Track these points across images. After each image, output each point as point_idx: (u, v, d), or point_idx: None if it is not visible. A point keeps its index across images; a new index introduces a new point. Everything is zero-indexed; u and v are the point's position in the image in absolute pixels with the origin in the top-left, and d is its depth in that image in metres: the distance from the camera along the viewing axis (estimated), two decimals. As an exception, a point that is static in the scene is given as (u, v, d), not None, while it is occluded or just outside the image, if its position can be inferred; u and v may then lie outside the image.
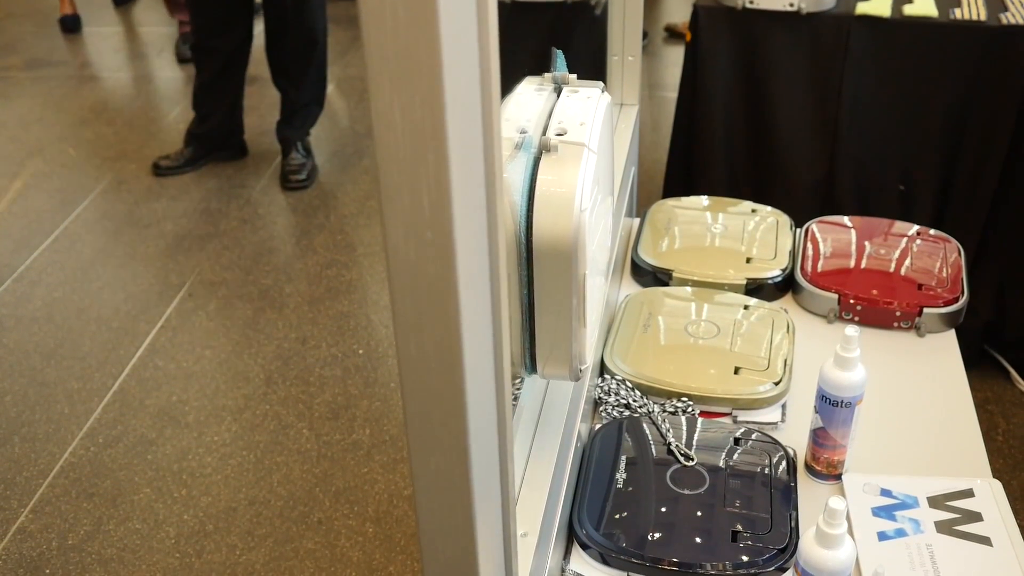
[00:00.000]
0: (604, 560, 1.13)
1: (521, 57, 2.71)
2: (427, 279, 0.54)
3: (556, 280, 0.97)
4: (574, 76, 1.12)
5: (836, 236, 1.67)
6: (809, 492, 1.24)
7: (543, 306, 0.99)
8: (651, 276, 1.62)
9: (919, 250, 1.63)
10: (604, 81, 1.78)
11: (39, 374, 2.70)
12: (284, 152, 3.69)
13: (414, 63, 0.46)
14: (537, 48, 2.73)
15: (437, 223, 0.52)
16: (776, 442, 1.28)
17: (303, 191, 3.61)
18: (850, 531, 1.10)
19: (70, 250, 3.28)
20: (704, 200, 1.81)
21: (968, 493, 1.22)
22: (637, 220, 1.77)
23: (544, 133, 1.00)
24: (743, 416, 1.35)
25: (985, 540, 1.16)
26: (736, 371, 1.38)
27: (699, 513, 1.17)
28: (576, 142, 0.98)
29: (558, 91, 1.10)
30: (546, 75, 1.12)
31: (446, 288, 0.54)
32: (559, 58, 1.13)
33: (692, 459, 1.24)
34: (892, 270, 1.58)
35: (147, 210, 3.52)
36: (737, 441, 1.27)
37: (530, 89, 1.10)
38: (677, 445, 1.25)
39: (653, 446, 1.27)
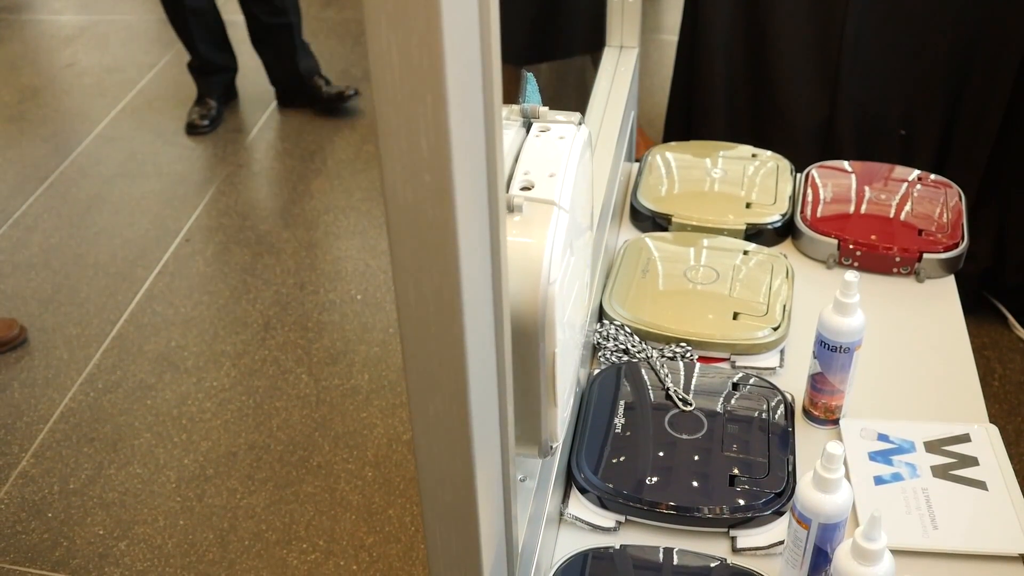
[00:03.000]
0: (602, 504, 1.14)
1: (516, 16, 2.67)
2: (426, 222, 0.53)
3: (521, 359, 0.86)
4: (545, 108, 0.97)
5: (836, 181, 1.66)
6: (806, 437, 1.24)
7: None
8: (650, 221, 1.61)
9: (919, 195, 1.62)
10: (605, 24, 1.75)
11: (37, 320, 2.70)
12: (314, 88, 3.67)
13: (412, 1, 0.45)
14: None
15: (436, 166, 0.51)
16: (774, 387, 1.28)
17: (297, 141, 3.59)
18: (847, 475, 1.11)
19: (66, 196, 3.27)
20: (704, 144, 1.79)
21: (964, 438, 1.23)
22: (636, 165, 1.76)
23: (508, 187, 0.87)
24: (741, 361, 1.35)
25: (981, 484, 1.17)
26: (735, 316, 1.37)
27: (697, 457, 1.17)
28: (545, 200, 0.86)
29: (527, 126, 0.97)
30: (514, 107, 0.97)
31: (445, 231, 0.53)
32: (530, 84, 0.97)
33: (690, 404, 1.24)
34: (892, 215, 1.58)
35: (143, 155, 3.49)
36: (735, 386, 1.28)
37: None
38: (675, 390, 1.26)
39: (651, 391, 1.27)
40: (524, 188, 0.87)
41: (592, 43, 2.67)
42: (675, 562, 1.08)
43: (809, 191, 1.63)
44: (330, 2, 4.61)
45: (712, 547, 1.11)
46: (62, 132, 3.65)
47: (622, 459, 1.17)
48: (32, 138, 3.61)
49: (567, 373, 0.99)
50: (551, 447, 0.95)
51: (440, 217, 0.53)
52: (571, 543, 1.12)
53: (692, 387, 1.27)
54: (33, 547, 2.08)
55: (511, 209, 0.84)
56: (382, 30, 0.47)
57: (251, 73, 3.91)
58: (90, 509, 2.16)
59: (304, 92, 3.70)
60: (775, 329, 1.35)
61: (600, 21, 1.76)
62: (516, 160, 0.92)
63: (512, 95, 0.95)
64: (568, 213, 0.87)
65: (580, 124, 0.98)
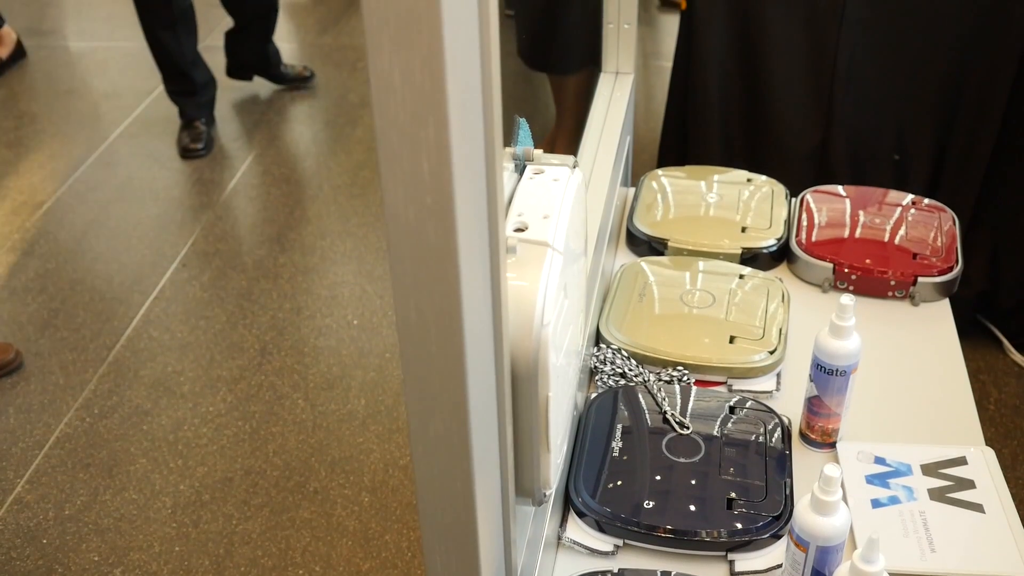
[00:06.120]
0: (600, 528, 1.14)
1: (520, 22, 2.69)
2: (427, 245, 0.54)
3: (514, 403, 0.84)
4: (539, 151, 0.97)
5: (831, 205, 1.67)
6: (804, 460, 1.24)
7: None
8: (646, 245, 1.62)
9: (913, 219, 1.63)
10: (601, 50, 1.77)
11: (33, 345, 2.70)
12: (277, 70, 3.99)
13: (414, 24, 0.46)
14: (537, 14, 2.72)
15: (437, 188, 0.52)
16: (771, 411, 1.28)
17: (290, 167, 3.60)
18: (844, 498, 1.11)
19: (63, 221, 3.27)
20: (699, 169, 1.80)
21: (961, 461, 1.23)
22: (632, 190, 1.77)
23: None
24: (738, 385, 1.35)
25: (978, 507, 1.17)
26: (731, 340, 1.38)
27: (694, 481, 1.17)
28: (538, 241, 0.85)
29: (521, 170, 0.96)
30: (506, 149, 0.96)
31: (446, 254, 0.54)
32: (523, 129, 0.97)
33: (687, 427, 1.24)
34: (887, 239, 1.59)
35: (139, 181, 3.50)
36: (732, 410, 1.28)
37: None
38: (672, 414, 1.26)
39: (648, 415, 1.27)
40: (518, 229, 0.86)
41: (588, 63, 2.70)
42: (673, 586, 1.08)
43: (804, 215, 1.64)
44: (327, 29, 4.64)
45: (710, 571, 1.11)
46: (59, 157, 3.66)
47: (620, 483, 1.17)
48: (29, 164, 3.62)
49: (561, 419, 0.97)
50: (544, 495, 0.93)
51: (441, 239, 0.53)
52: (569, 567, 1.12)
53: (689, 411, 1.27)
54: (27, 574, 2.07)
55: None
56: (384, 53, 0.47)
57: (248, 98, 3.93)
58: (85, 535, 2.15)
59: (263, 70, 3.99)
60: (771, 353, 1.36)
61: (597, 46, 1.77)
62: (510, 202, 0.91)
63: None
64: (562, 255, 0.86)
65: (575, 167, 0.97)
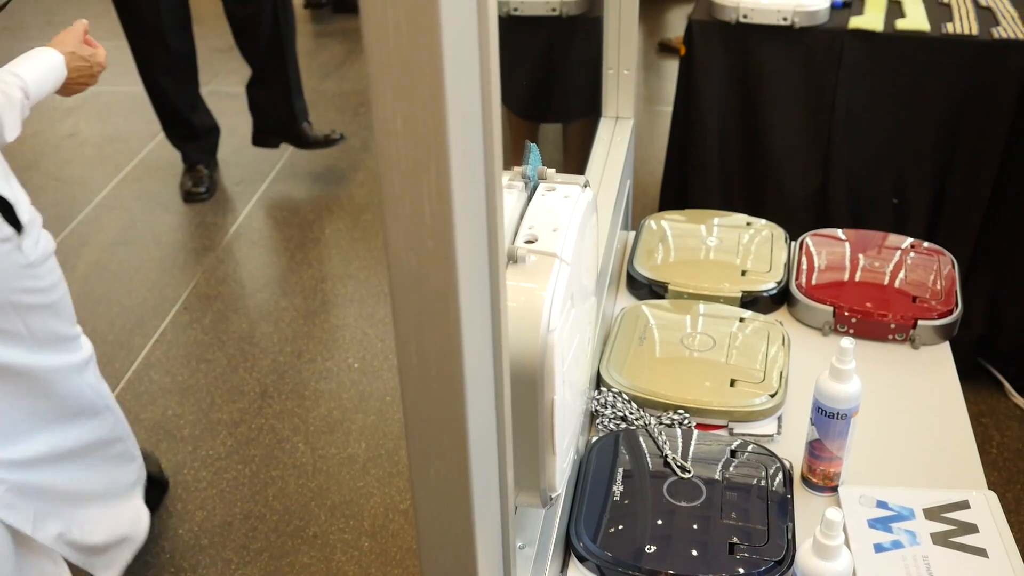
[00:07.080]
0: (601, 573, 1.13)
1: (520, 69, 2.72)
2: (428, 288, 0.54)
3: (521, 407, 0.87)
4: (552, 170, 1.02)
5: (830, 249, 1.67)
6: (805, 504, 1.24)
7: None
8: (647, 289, 1.62)
9: (913, 263, 1.63)
10: (600, 95, 1.78)
11: (33, 388, 2.69)
12: (301, 131, 3.71)
13: (416, 72, 0.47)
14: (535, 60, 2.74)
15: (439, 233, 0.52)
16: (772, 454, 1.28)
17: (294, 211, 3.62)
18: (847, 543, 1.10)
19: (65, 264, 3.26)
20: (699, 213, 1.81)
21: (964, 505, 1.23)
22: (632, 233, 1.77)
23: (512, 240, 0.92)
24: (739, 428, 1.35)
25: (981, 552, 1.16)
26: (732, 383, 1.38)
27: (696, 525, 1.17)
28: (547, 252, 0.90)
29: (533, 189, 1.02)
30: (516, 168, 1.02)
31: (447, 297, 0.54)
32: (533, 152, 1.02)
33: (689, 471, 1.24)
34: (886, 283, 1.59)
35: (142, 224, 3.52)
36: (733, 453, 1.28)
37: None
38: (673, 457, 1.26)
39: (649, 458, 1.27)
40: (528, 241, 0.91)
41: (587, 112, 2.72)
42: (675, 631, 1.07)
43: (804, 259, 1.64)
44: (329, 74, 4.68)
45: (712, 616, 1.10)
46: (63, 201, 3.67)
47: (621, 527, 1.16)
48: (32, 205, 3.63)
49: (566, 423, 1.00)
50: (550, 497, 0.96)
51: (443, 283, 0.54)
52: (570, 612, 1.11)
53: (690, 454, 1.27)
54: (23, 619, 2.05)
55: (514, 261, 0.87)
56: (387, 98, 0.48)
57: (247, 142, 3.96)
58: (82, 580, 2.13)
59: (288, 133, 3.73)
60: (772, 396, 1.36)
61: (597, 92, 1.78)
62: (521, 217, 0.95)
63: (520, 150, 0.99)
64: (569, 266, 0.90)
65: (585, 186, 1.01)
